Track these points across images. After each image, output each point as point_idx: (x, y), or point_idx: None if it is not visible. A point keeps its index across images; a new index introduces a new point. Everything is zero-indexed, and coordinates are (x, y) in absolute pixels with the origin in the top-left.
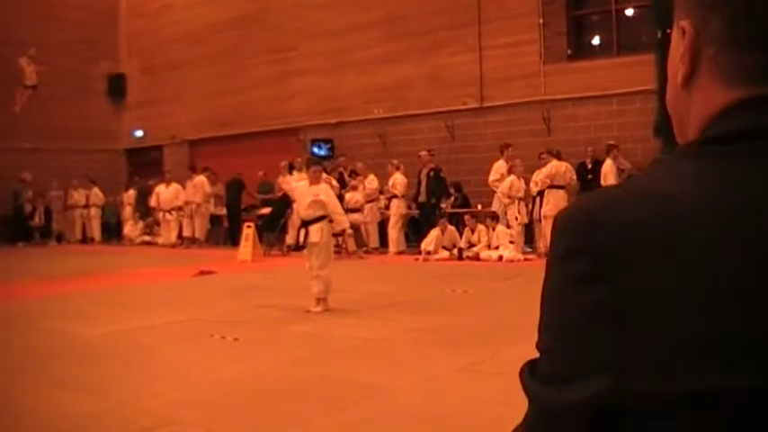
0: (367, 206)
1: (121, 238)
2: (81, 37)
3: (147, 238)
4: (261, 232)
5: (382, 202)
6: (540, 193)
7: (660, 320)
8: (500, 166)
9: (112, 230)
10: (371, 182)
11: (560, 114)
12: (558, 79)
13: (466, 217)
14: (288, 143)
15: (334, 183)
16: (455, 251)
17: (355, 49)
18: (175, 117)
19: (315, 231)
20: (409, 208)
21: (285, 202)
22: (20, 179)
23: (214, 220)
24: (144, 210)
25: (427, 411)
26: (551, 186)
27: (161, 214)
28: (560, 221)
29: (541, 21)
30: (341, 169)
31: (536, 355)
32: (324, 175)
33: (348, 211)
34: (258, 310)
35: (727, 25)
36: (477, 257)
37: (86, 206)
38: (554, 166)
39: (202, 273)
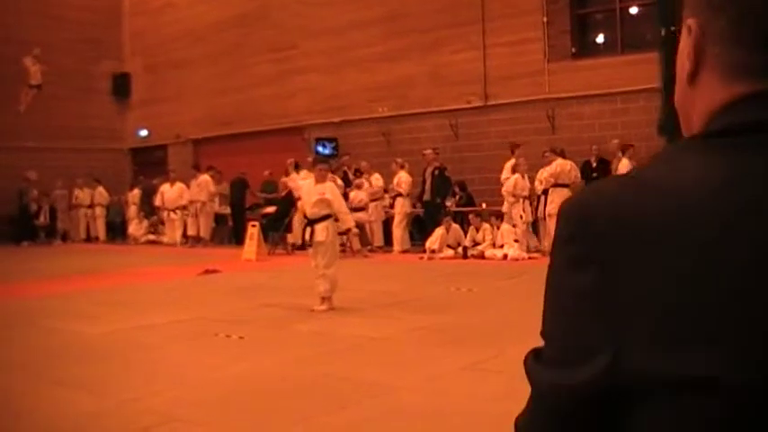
0: (371, 205)
1: (126, 238)
2: (84, 36)
3: (151, 237)
4: (265, 231)
5: (387, 201)
6: (545, 192)
7: (650, 306)
8: (512, 164)
9: (117, 230)
10: (376, 180)
11: (564, 113)
12: (563, 77)
13: (470, 215)
14: (292, 142)
15: (339, 182)
16: (460, 250)
17: (357, 47)
18: (179, 116)
19: (320, 230)
20: (414, 206)
21: (290, 201)
22: (25, 178)
23: (219, 218)
24: (148, 209)
25: (430, 410)
26: (556, 185)
27: (165, 213)
28: (562, 210)
29: (545, 19)
30: (345, 168)
31: None
32: (329, 174)
33: (352, 209)
34: (263, 309)
35: (733, 24)
36: (481, 256)
37: (91, 206)
38: (558, 164)
39: (207, 272)
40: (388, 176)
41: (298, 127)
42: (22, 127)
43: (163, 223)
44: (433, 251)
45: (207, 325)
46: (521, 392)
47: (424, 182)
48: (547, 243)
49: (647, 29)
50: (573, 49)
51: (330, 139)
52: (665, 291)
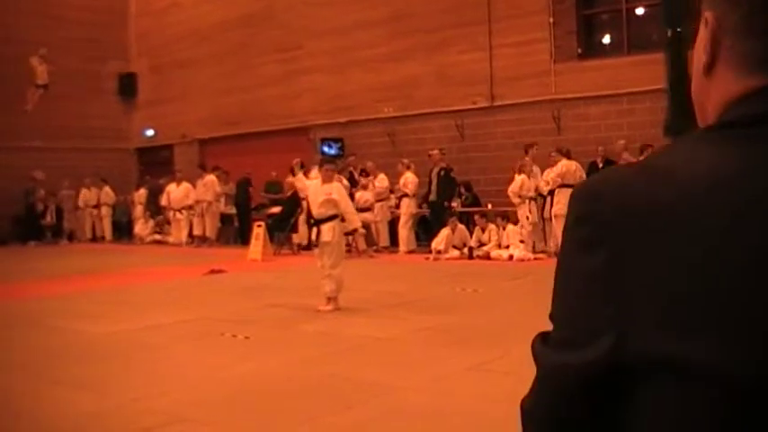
0: (377, 205)
1: (132, 237)
2: (91, 36)
3: (157, 236)
4: (271, 231)
5: (392, 201)
6: (551, 193)
7: (656, 292)
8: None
9: (123, 229)
10: (381, 181)
11: (570, 113)
12: (569, 78)
13: (476, 216)
14: (298, 142)
15: (345, 182)
16: (465, 250)
17: (363, 47)
18: (185, 116)
19: (327, 230)
20: (420, 207)
21: (295, 201)
22: (31, 178)
23: (224, 219)
24: (154, 209)
25: (436, 410)
26: (562, 185)
27: (171, 213)
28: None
29: (551, 20)
30: (351, 168)
31: None
32: (335, 174)
33: (358, 210)
34: (268, 309)
35: (746, 18)
36: (487, 256)
37: (97, 206)
38: (564, 165)
39: (213, 272)
40: (394, 177)
41: (303, 127)
42: (29, 127)
43: (169, 223)
44: (438, 252)
45: (212, 325)
46: (525, 394)
47: (430, 182)
48: (553, 244)
49: (654, 29)
50: (579, 50)
51: (336, 140)
52: (673, 278)
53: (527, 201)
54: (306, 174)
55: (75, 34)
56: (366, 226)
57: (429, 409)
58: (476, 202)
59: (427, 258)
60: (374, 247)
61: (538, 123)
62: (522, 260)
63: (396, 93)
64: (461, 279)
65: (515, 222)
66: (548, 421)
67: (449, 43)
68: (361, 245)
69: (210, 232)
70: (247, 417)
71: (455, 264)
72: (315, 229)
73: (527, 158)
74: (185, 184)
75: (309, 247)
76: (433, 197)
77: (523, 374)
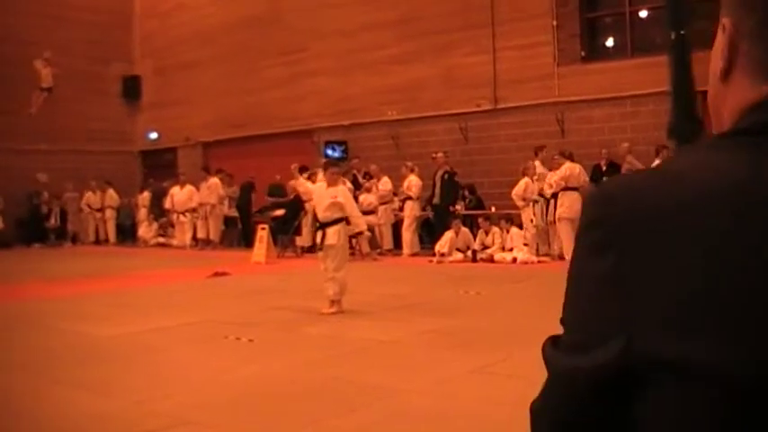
0: (381, 208)
1: (136, 240)
2: (95, 39)
3: (161, 239)
4: (275, 234)
5: (396, 204)
6: (554, 195)
7: (662, 293)
8: (536, 166)
9: (127, 232)
10: (385, 184)
11: (574, 116)
12: (572, 81)
13: (480, 219)
14: (302, 145)
15: (348, 185)
16: (469, 253)
17: (368, 50)
18: (189, 119)
19: (332, 233)
20: (423, 210)
21: (298, 204)
22: (35, 180)
23: (228, 221)
24: (158, 211)
25: (439, 413)
26: (566, 188)
27: (175, 216)
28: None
29: (555, 23)
30: (354, 171)
31: None
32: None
33: (362, 213)
34: (272, 312)
35: (761, 24)
36: (490, 259)
37: (100, 209)
38: (568, 167)
39: (216, 274)
40: (398, 180)
41: (307, 130)
42: (33, 129)
43: (172, 226)
44: (442, 254)
45: (216, 328)
46: (530, 397)
47: (433, 185)
48: (556, 247)
49: (657, 32)
50: (582, 53)
51: (339, 142)
52: (674, 279)
53: (531, 204)
54: (312, 177)
55: (78, 36)
56: (370, 229)
57: (433, 412)
58: (479, 204)
59: (431, 261)
60: (377, 250)
61: (541, 126)
62: (526, 263)
63: (400, 96)
64: (465, 282)
65: (519, 225)
66: (557, 424)
67: (453, 46)
68: (365, 248)
69: (214, 235)
70: (251, 420)
71: (458, 267)
72: (320, 233)
73: (537, 161)
74: (189, 187)
75: (313, 249)
76: (436, 200)
77: (527, 377)
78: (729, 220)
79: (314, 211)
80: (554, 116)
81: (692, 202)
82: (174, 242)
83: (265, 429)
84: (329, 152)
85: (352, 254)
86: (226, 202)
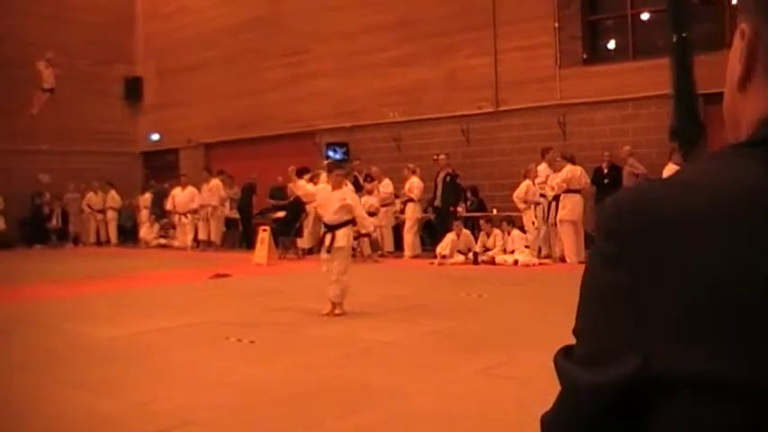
0: (382, 210)
1: (137, 241)
2: (97, 40)
3: (162, 240)
4: (276, 236)
5: (397, 206)
6: (556, 198)
7: (676, 305)
8: (543, 169)
9: (128, 233)
10: (386, 186)
11: (576, 119)
12: (574, 83)
13: (481, 221)
14: (303, 147)
15: (350, 186)
16: (470, 255)
17: (370, 52)
18: (191, 120)
19: (341, 236)
20: (425, 212)
21: (299, 206)
22: (37, 181)
23: (229, 223)
24: (160, 213)
25: (443, 414)
26: (567, 191)
27: (177, 217)
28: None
29: (556, 25)
30: (356, 173)
31: (550, 358)
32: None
33: None
34: (274, 313)
35: None
36: (492, 262)
37: (102, 210)
38: (569, 170)
39: (218, 276)
40: (399, 182)
41: (309, 132)
42: (35, 130)
43: (174, 227)
44: (443, 256)
45: (218, 329)
46: (531, 398)
47: (435, 187)
48: (558, 249)
49: (659, 35)
50: (584, 55)
51: (341, 144)
52: (690, 290)
53: (532, 206)
54: (314, 179)
55: (81, 38)
56: None
57: (436, 412)
58: (481, 206)
59: (432, 263)
60: (379, 252)
61: (543, 128)
62: (527, 265)
63: (402, 97)
64: (466, 284)
65: (521, 227)
66: None
67: (455, 48)
68: (366, 250)
69: (215, 236)
70: (253, 421)
71: (460, 269)
72: (329, 236)
73: (544, 163)
74: (190, 188)
75: (313, 251)
76: (438, 202)
77: (529, 379)
78: (744, 233)
79: (316, 213)
80: (555, 118)
81: (707, 213)
82: (176, 243)
83: (267, 431)
84: (331, 154)
85: (354, 256)
86: (227, 204)
